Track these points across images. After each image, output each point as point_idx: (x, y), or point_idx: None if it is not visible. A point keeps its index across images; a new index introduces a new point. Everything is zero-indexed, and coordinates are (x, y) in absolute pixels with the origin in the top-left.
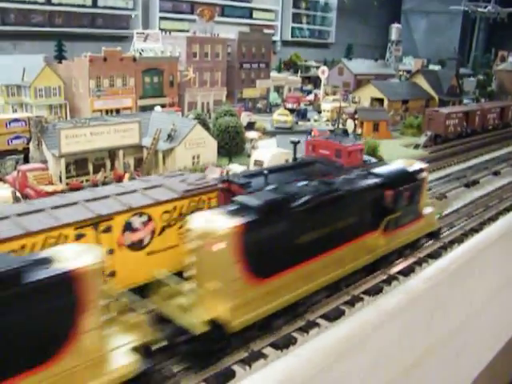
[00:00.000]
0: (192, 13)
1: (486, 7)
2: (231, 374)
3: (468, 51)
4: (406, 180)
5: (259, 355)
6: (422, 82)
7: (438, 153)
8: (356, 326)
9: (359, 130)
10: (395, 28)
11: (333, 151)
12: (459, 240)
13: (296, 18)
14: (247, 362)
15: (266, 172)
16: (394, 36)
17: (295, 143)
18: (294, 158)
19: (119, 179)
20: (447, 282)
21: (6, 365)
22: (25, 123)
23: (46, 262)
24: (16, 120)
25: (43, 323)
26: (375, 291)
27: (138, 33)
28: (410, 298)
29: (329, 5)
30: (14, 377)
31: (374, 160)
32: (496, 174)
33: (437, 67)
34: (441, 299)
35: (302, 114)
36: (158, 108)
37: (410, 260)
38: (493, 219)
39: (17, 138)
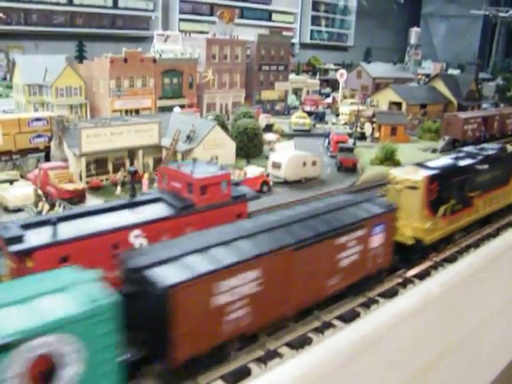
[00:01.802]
0: (211, 14)
1: (507, 12)
2: (247, 372)
3: (488, 56)
4: None
5: (275, 354)
6: (440, 86)
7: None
8: (371, 326)
9: (377, 134)
10: (415, 32)
11: (184, 184)
12: None
13: (315, 20)
14: (263, 360)
15: (54, 220)
16: (413, 40)
17: (132, 173)
18: (131, 195)
19: (138, 179)
20: (463, 286)
21: (500, 182)
22: (46, 122)
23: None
24: (38, 119)
25: (508, 169)
26: (391, 294)
27: (158, 34)
28: (425, 301)
29: (348, 8)
30: (499, 187)
31: (252, 193)
32: None
33: (456, 71)
34: (456, 303)
35: (320, 117)
36: (176, 109)
37: (427, 264)
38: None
39: (38, 136)
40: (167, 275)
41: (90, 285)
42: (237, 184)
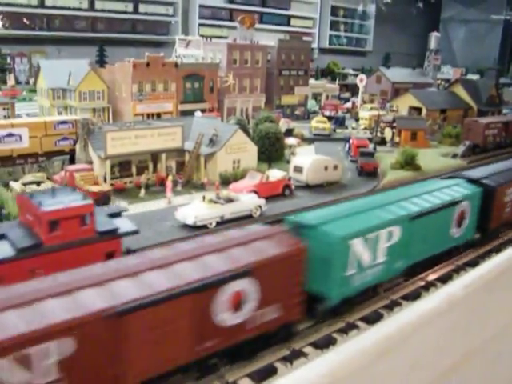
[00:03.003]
0: (231, 19)
1: None
2: (273, 370)
3: (508, 61)
4: None
5: (300, 354)
6: (460, 91)
7: (477, 163)
8: (396, 327)
9: (397, 139)
10: (434, 36)
11: (34, 218)
12: None
13: (334, 25)
14: (289, 359)
15: None
16: (432, 45)
17: None
18: None
19: (161, 182)
20: (487, 289)
21: None
22: (72, 125)
23: None
24: (64, 122)
25: None
26: (414, 296)
27: (180, 39)
28: (448, 303)
29: (367, 13)
30: None
31: (130, 227)
32: None
33: (475, 76)
34: (480, 305)
35: (339, 122)
36: (198, 113)
37: (449, 267)
38: None
39: (64, 139)
40: (493, 182)
41: (460, 185)
42: (115, 215)
